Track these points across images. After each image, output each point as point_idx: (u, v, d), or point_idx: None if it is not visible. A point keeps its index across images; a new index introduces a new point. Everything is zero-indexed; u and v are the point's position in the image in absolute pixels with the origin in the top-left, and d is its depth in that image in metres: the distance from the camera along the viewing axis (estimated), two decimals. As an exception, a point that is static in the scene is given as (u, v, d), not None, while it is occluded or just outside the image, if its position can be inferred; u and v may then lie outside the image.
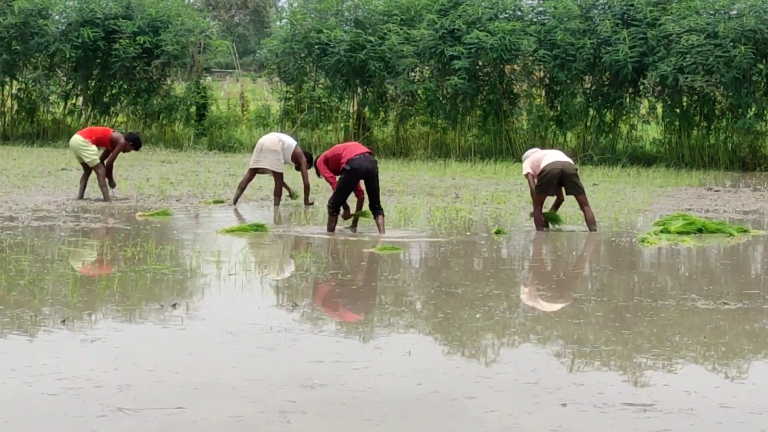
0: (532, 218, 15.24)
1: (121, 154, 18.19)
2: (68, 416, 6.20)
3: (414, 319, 9.25)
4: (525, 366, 7.55)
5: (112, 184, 17.84)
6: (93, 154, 17.61)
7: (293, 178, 19.14)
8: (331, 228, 14.50)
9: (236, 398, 6.58)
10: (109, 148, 17.74)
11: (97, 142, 17.69)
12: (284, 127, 30.62)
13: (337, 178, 14.53)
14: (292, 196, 18.08)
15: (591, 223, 14.95)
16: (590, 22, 28.73)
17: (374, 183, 14.34)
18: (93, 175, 17.80)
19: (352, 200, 14.95)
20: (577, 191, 15.03)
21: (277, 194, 17.69)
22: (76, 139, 17.81)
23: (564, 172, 14.94)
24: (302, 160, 17.58)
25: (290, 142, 17.88)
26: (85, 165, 17.79)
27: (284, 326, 8.64)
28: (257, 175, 18.25)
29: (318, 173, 15.32)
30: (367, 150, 14.64)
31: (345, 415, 6.35)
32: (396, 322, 9.07)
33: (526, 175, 15.32)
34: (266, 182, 20.62)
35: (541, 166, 15.01)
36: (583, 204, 15.08)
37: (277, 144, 17.66)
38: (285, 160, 17.70)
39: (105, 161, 17.66)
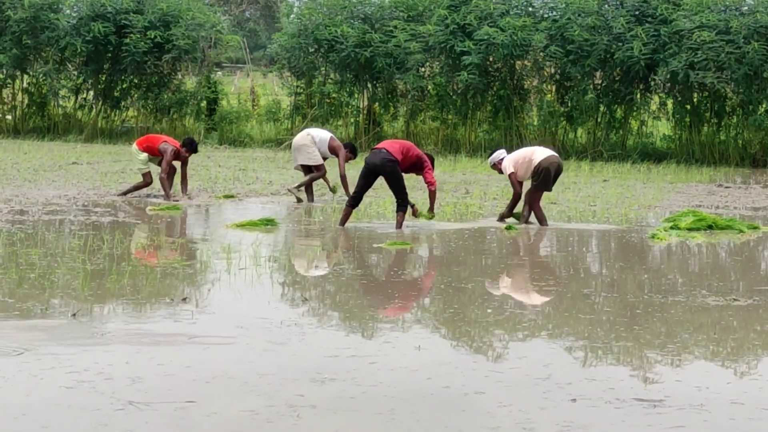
0: (525, 217, 15.18)
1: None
2: (85, 410, 6.22)
3: (424, 313, 9.25)
4: (536, 361, 7.55)
5: (184, 189, 17.55)
6: (141, 163, 17.58)
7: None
8: (342, 221, 14.50)
9: (247, 392, 6.58)
10: (160, 157, 17.36)
11: (147, 150, 17.53)
12: (295, 123, 30.64)
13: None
14: (332, 190, 18.04)
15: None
16: (603, 18, 28.67)
17: (388, 179, 14.35)
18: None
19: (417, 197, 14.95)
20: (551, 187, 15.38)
21: (308, 186, 17.63)
22: (133, 147, 17.88)
23: (559, 166, 15.12)
24: (341, 152, 17.46)
25: (323, 135, 17.68)
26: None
27: (294, 321, 8.65)
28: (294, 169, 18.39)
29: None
30: (390, 146, 14.50)
31: (355, 410, 6.36)
32: (406, 316, 9.07)
33: (510, 176, 15.15)
34: (276, 177, 20.65)
35: (536, 162, 14.96)
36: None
37: (306, 138, 17.47)
38: (323, 154, 17.55)
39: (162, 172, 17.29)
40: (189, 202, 17.10)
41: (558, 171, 15.16)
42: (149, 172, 17.61)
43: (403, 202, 14.39)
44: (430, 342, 8.18)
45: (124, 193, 17.54)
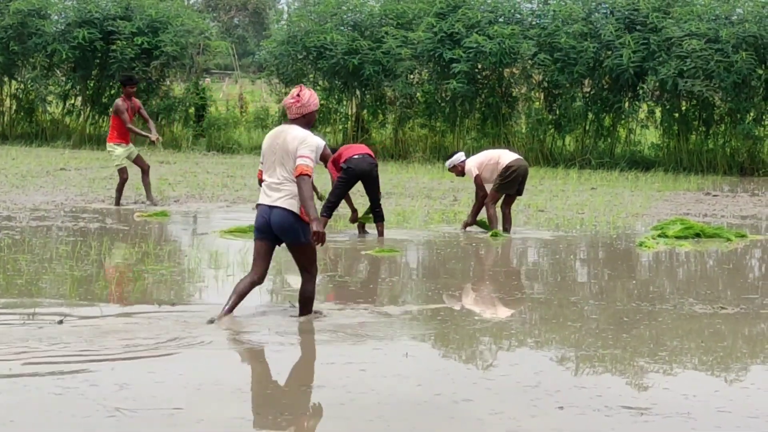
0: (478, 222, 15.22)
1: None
2: (75, 416, 6.21)
3: (413, 320, 9.24)
4: (526, 369, 7.56)
5: (151, 130, 17.64)
6: (118, 159, 17.28)
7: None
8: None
9: (236, 399, 6.58)
10: (119, 122, 17.15)
11: (113, 127, 17.30)
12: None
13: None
14: (320, 197, 17.94)
15: (510, 224, 15.21)
16: (592, 26, 28.72)
17: (373, 186, 14.32)
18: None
19: (359, 204, 14.95)
20: (522, 192, 15.39)
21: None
22: (107, 148, 17.59)
23: (526, 170, 15.21)
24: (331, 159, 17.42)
25: (320, 142, 17.57)
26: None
27: (283, 328, 8.64)
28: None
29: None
30: (369, 152, 14.61)
31: (346, 417, 6.36)
32: (395, 323, 9.06)
33: (475, 178, 15.04)
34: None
35: (504, 164, 14.95)
36: (510, 204, 15.23)
37: None
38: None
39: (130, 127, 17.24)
40: (159, 139, 17.86)
41: (525, 175, 15.22)
42: (125, 168, 17.33)
43: (380, 210, 14.41)
44: (420, 349, 8.19)
45: (118, 203, 17.37)
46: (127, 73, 18.16)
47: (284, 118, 31.18)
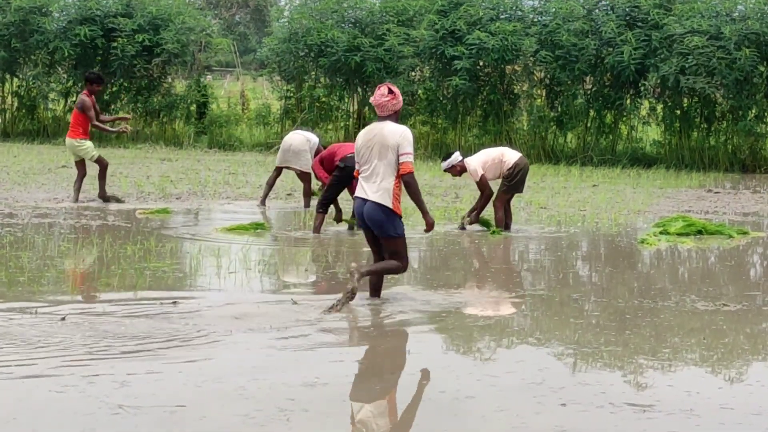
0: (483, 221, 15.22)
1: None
2: (77, 414, 6.20)
3: (416, 317, 9.23)
4: (530, 366, 7.55)
5: (114, 124, 17.85)
6: (91, 150, 17.04)
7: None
8: (316, 228, 14.38)
9: (238, 396, 6.57)
10: (86, 118, 16.89)
11: (75, 123, 17.00)
12: (284, 127, 30.59)
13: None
14: (314, 193, 17.94)
15: (510, 219, 15.27)
16: (593, 23, 28.72)
17: None
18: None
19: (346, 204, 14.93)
20: (523, 189, 15.44)
21: (307, 195, 17.39)
22: (74, 144, 17.07)
23: (528, 167, 15.30)
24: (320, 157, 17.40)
25: (315, 140, 17.59)
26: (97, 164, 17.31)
27: (284, 324, 8.63)
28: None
29: (315, 175, 15.41)
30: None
31: (348, 413, 6.35)
32: (398, 319, 9.06)
33: (481, 178, 14.91)
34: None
35: (511, 162, 14.92)
36: (510, 200, 15.26)
37: (305, 144, 17.23)
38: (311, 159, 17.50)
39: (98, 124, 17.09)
40: (128, 128, 18.05)
41: (527, 172, 15.24)
42: (101, 157, 17.14)
43: None
44: (424, 346, 8.18)
45: (104, 197, 17.14)
46: (96, 71, 17.99)
47: (286, 115, 31.25)
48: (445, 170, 15.37)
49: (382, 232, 9.40)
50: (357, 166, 9.54)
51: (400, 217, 9.44)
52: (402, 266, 9.53)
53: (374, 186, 9.32)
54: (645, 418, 6.34)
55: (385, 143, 9.28)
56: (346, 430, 6.10)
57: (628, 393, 6.91)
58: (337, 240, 14.07)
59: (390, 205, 9.28)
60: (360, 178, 9.49)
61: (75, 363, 7.22)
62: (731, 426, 6.32)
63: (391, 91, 9.43)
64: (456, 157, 15.24)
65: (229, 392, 6.65)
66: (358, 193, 9.49)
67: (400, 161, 9.26)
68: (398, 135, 9.28)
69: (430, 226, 9.56)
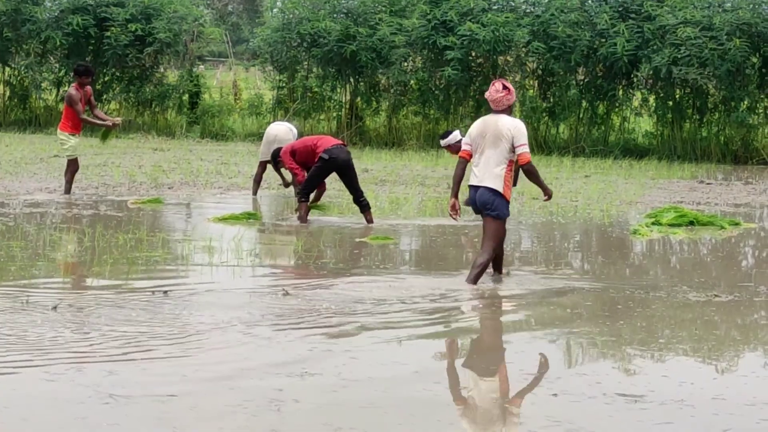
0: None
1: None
2: (69, 402, 6.19)
3: (408, 307, 9.22)
4: (522, 356, 7.55)
5: (102, 118, 17.23)
6: (69, 148, 16.72)
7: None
8: (302, 218, 14.38)
9: (228, 387, 6.56)
10: (73, 112, 16.61)
11: (65, 117, 16.75)
12: (277, 117, 30.51)
13: (310, 168, 14.47)
14: (286, 185, 17.85)
15: None
16: (586, 14, 28.70)
17: (351, 176, 14.32)
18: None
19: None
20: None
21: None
22: (64, 137, 16.80)
23: None
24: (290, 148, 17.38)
25: (295, 131, 17.55)
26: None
27: (276, 314, 8.62)
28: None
29: (276, 163, 15.47)
30: (342, 142, 14.72)
31: (339, 403, 6.34)
32: (389, 310, 9.04)
33: None
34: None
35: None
36: None
37: (289, 133, 17.09)
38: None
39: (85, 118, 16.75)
40: (118, 121, 17.64)
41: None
42: (77, 159, 16.80)
43: (364, 199, 14.41)
44: (415, 336, 8.17)
45: (69, 191, 16.69)
46: (85, 64, 17.66)
47: (278, 105, 31.18)
48: (444, 147, 15.41)
49: (490, 210, 10.05)
50: (470, 154, 10.17)
51: (509, 203, 10.16)
52: (492, 251, 10.19)
53: (487, 173, 10.00)
54: (638, 409, 6.34)
55: (499, 134, 9.97)
56: (336, 420, 6.08)
57: (624, 383, 6.91)
58: (326, 230, 14.05)
59: (501, 190, 10.00)
60: (473, 167, 10.15)
61: (65, 352, 7.20)
62: (724, 416, 6.31)
63: (505, 87, 10.11)
64: (456, 135, 15.25)
65: (219, 382, 6.63)
66: (471, 181, 10.17)
67: (518, 152, 9.95)
68: (513, 127, 10.00)
69: (549, 195, 10.61)
